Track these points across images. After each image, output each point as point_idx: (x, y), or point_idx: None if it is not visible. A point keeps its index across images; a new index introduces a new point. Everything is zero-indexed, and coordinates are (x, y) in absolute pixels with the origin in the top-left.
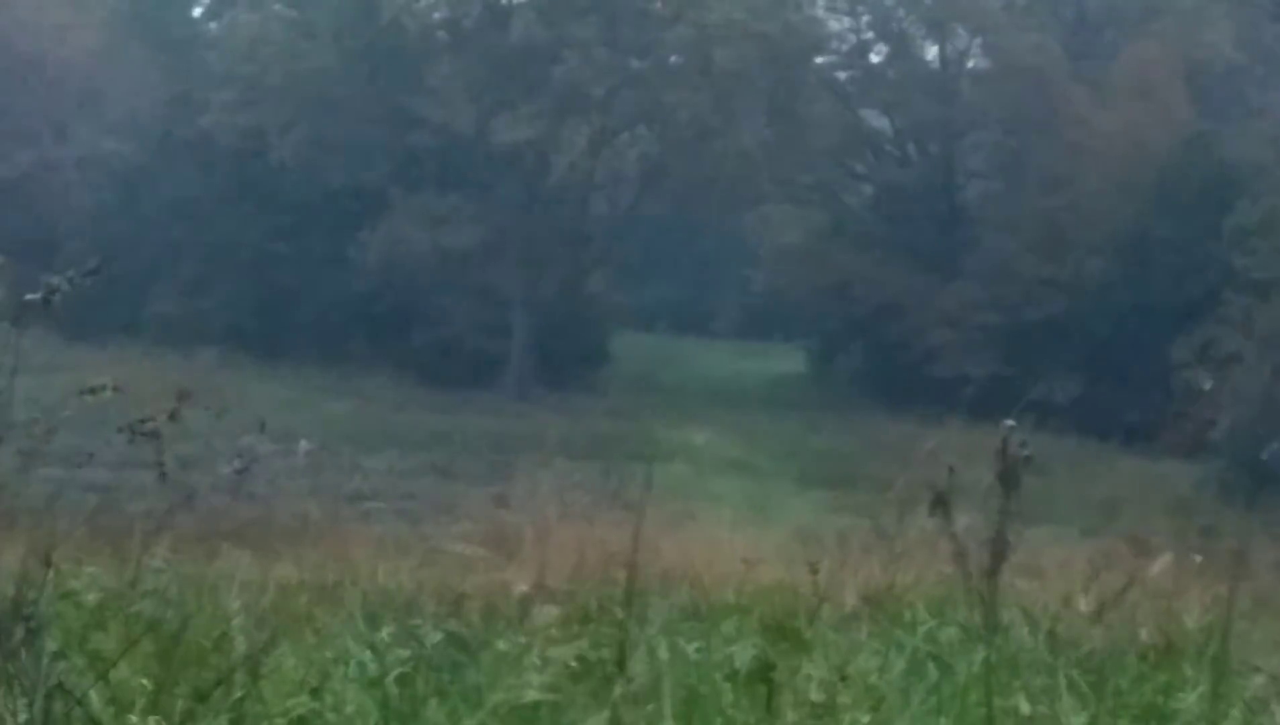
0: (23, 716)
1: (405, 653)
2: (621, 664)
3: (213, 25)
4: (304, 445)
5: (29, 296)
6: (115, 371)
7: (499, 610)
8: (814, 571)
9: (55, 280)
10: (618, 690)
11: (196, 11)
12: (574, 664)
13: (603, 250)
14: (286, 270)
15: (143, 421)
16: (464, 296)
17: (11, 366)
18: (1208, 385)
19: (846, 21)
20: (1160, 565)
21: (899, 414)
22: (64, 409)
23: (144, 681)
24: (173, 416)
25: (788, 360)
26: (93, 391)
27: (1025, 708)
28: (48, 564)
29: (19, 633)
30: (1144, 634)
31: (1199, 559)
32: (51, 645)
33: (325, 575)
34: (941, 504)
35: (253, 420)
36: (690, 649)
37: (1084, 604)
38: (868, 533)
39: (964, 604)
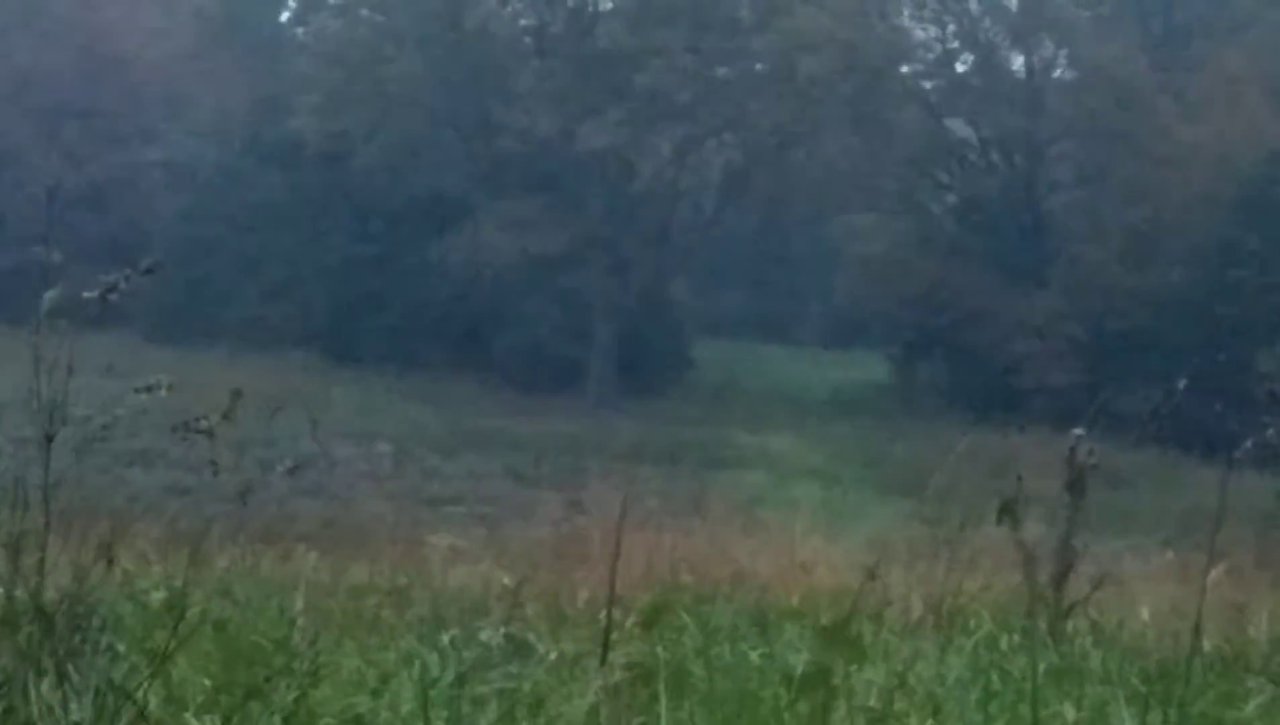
0: (75, 714)
1: (469, 654)
2: (604, 658)
3: (300, 30)
4: (382, 449)
5: (85, 293)
6: (196, 375)
7: (565, 614)
8: (873, 576)
9: (112, 277)
10: (597, 681)
11: (284, 16)
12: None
13: (686, 257)
14: (370, 275)
15: (197, 419)
16: (546, 302)
17: (68, 365)
18: None
19: (932, 30)
20: (1221, 574)
21: (981, 424)
22: (139, 410)
23: (204, 681)
24: (227, 416)
25: (870, 369)
26: (148, 389)
27: (1071, 714)
28: (109, 562)
29: (76, 630)
30: (1210, 644)
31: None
32: (112, 643)
33: (397, 578)
34: (1009, 512)
35: (332, 423)
36: (752, 654)
37: (1149, 613)
38: (939, 540)
39: (1030, 612)
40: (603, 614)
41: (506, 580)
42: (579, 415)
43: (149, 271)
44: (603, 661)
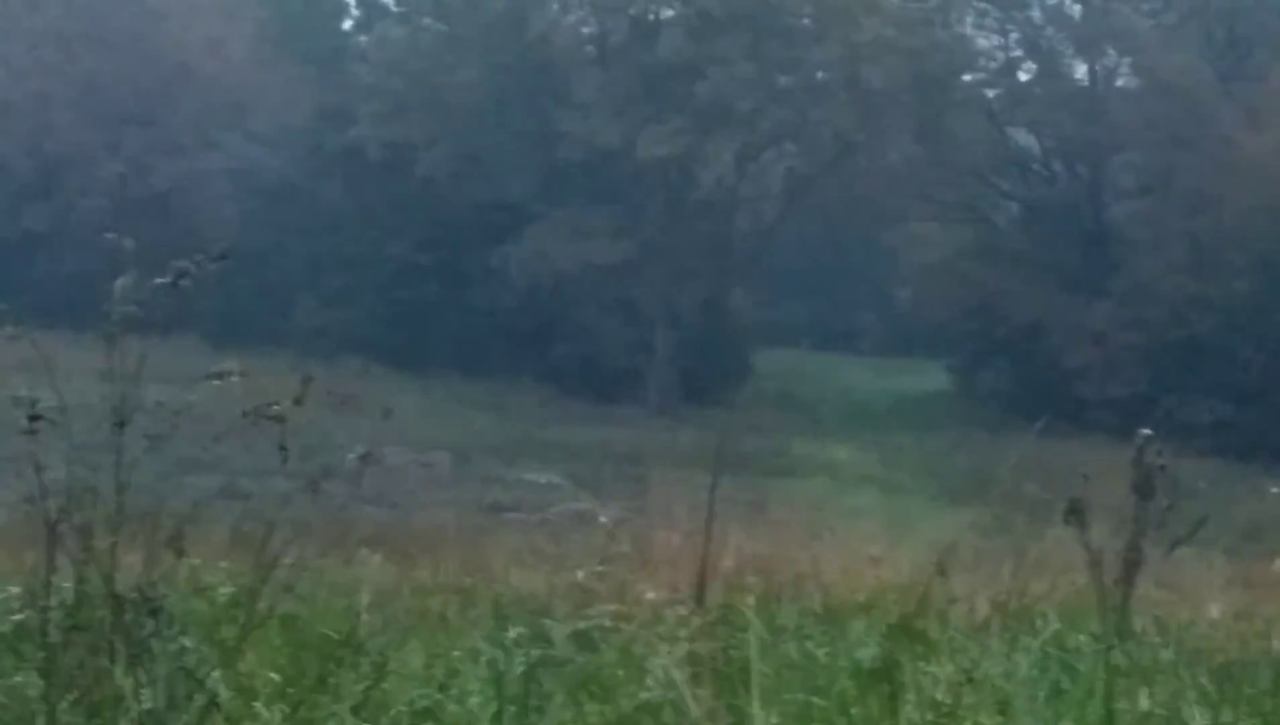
0: (147, 702)
1: (535, 651)
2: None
3: (362, 38)
4: (443, 456)
5: (159, 280)
6: (259, 380)
7: (629, 614)
8: (941, 572)
9: (183, 264)
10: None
11: (346, 24)
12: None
13: (746, 266)
14: (431, 283)
15: (268, 405)
16: (607, 311)
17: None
18: None
19: (995, 39)
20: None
21: (1042, 433)
22: (202, 416)
23: (272, 674)
24: (298, 401)
25: (930, 378)
26: (219, 376)
27: (1145, 703)
28: (178, 554)
29: (148, 620)
30: (1276, 644)
31: None
32: (182, 636)
33: (459, 579)
34: (1076, 513)
35: (392, 430)
36: (819, 651)
37: (1216, 613)
38: (1003, 546)
39: (1096, 612)
40: (671, 610)
41: (604, 519)
42: (639, 423)
43: (221, 258)
44: (699, 602)
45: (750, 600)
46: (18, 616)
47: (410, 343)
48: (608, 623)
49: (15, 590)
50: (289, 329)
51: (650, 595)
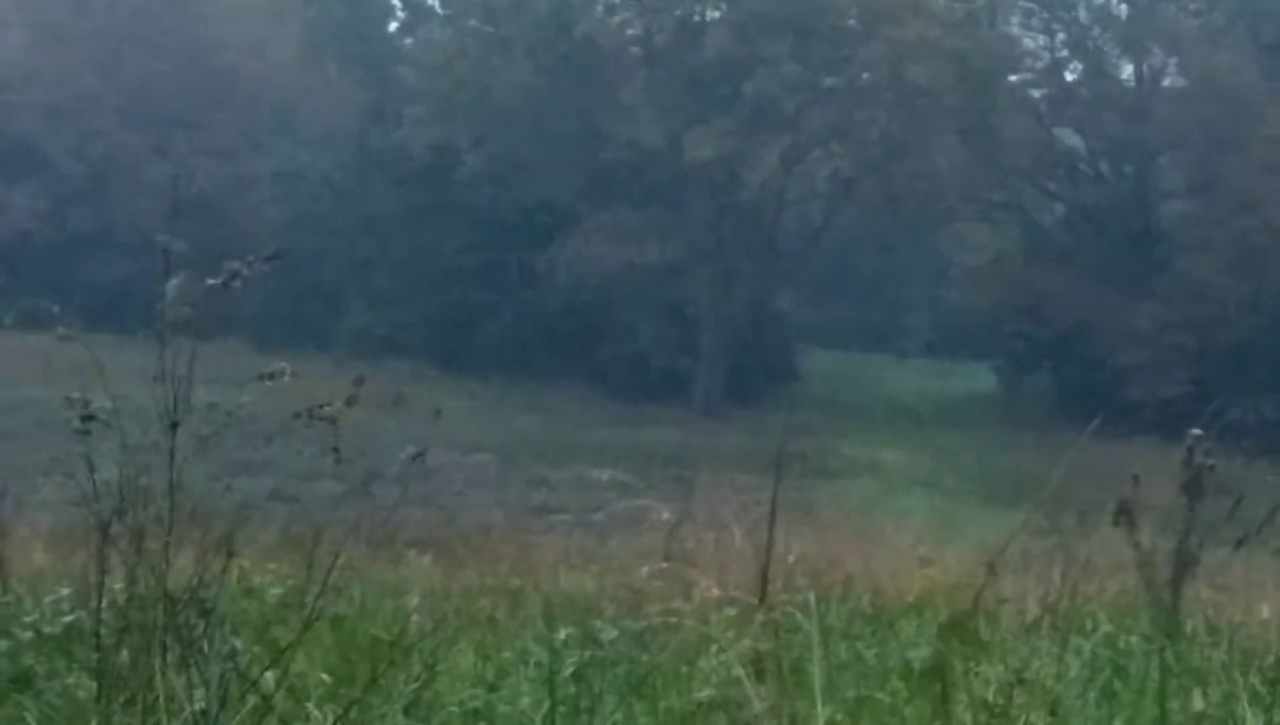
0: (199, 703)
1: (585, 653)
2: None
3: (408, 40)
4: (489, 458)
5: (210, 281)
6: (305, 383)
7: (678, 613)
8: (992, 571)
9: (236, 266)
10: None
11: (392, 26)
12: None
13: (792, 267)
14: (476, 285)
15: (320, 406)
16: (653, 312)
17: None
18: None
19: (1041, 39)
20: None
21: (1088, 435)
22: (249, 419)
23: (322, 676)
24: (350, 402)
25: (977, 379)
26: (271, 377)
27: (1199, 703)
28: (228, 554)
29: (199, 621)
30: None
31: None
32: (233, 637)
33: (508, 581)
34: (1126, 514)
35: (438, 432)
36: (869, 653)
37: (1267, 613)
38: (1052, 548)
39: (1146, 612)
40: (714, 614)
41: (667, 515)
42: (685, 425)
43: (273, 259)
44: (761, 599)
45: (810, 598)
46: (68, 618)
47: (456, 344)
48: (672, 619)
49: (64, 592)
50: (334, 331)
51: (715, 592)
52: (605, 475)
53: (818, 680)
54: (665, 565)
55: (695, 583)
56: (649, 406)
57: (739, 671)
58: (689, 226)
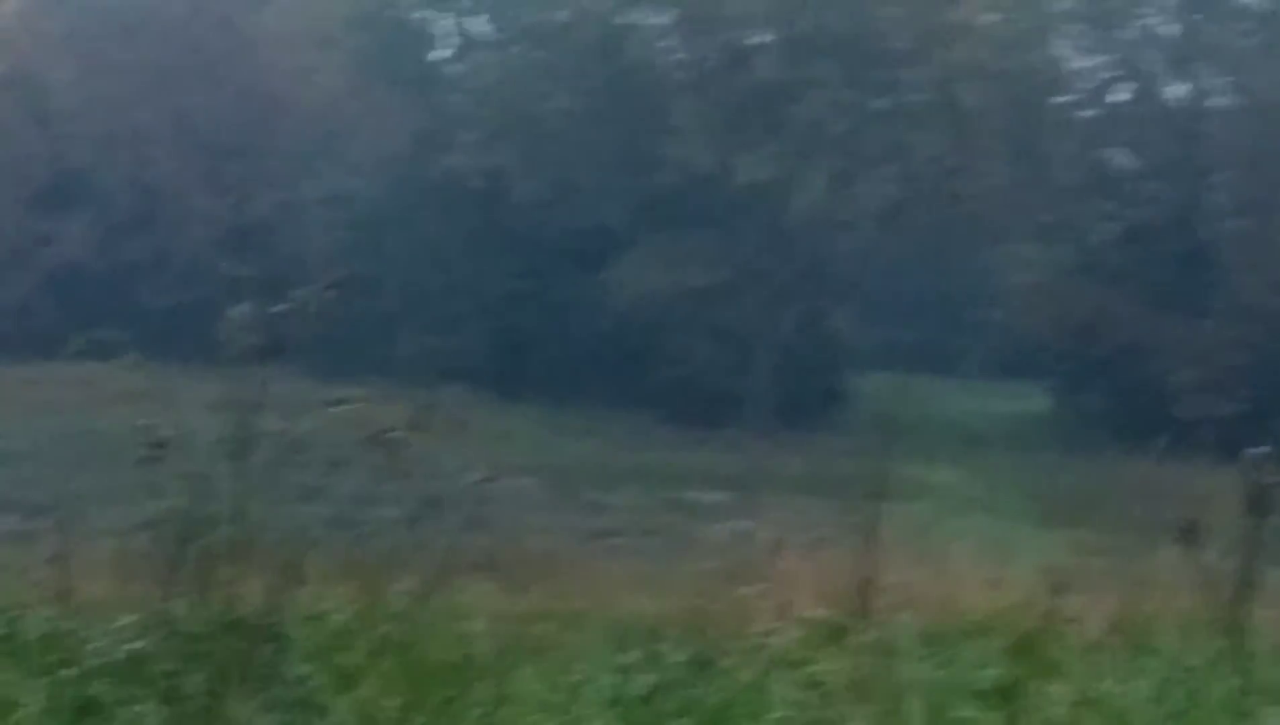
0: None
1: (651, 677)
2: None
3: (457, 66)
4: (543, 482)
5: (276, 309)
6: (363, 409)
7: (742, 635)
8: (1058, 591)
9: (303, 293)
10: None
11: (439, 53)
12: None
13: (843, 289)
14: (528, 310)
15: (388, 430)
16: (704, 335)
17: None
18: None
19: (1091, 60)
20: None
21: (1144, 455)
22: (306, 447)
23: (386, 703)
24: (416, 427)
25: (1030, 400)
26: (339, 402)
27: (1272, 723)
28: (296, 582)
29: (267, 648)
30: None
31: None
32: (299, 663)
33: (570, 605)
34: (1189, 533)
35: (493, 457)
36: (937, 672)
37: None
38: (1113, 567)
39: (1212, 632)
40: (777, 636)
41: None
42: (740, 448)
43: (337, 286)
44: (863, 617)
45: (908, 618)
46: (133, 645)
47: (510, 369)
48: (766, 640)
49: (127, 619)
50: (386, 357)
51: (808, 614)
52: (659, 499)
53: (915, 699)
54: (754, 588)
55: (789, 603)
56: (702, 429)
57: (833, 692)
58: (740, 249)
